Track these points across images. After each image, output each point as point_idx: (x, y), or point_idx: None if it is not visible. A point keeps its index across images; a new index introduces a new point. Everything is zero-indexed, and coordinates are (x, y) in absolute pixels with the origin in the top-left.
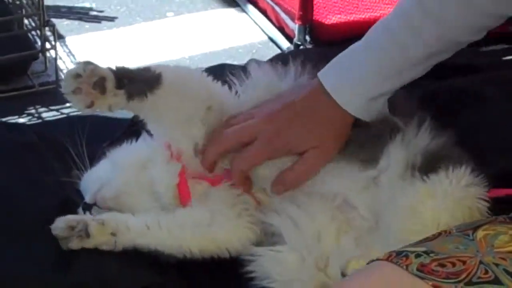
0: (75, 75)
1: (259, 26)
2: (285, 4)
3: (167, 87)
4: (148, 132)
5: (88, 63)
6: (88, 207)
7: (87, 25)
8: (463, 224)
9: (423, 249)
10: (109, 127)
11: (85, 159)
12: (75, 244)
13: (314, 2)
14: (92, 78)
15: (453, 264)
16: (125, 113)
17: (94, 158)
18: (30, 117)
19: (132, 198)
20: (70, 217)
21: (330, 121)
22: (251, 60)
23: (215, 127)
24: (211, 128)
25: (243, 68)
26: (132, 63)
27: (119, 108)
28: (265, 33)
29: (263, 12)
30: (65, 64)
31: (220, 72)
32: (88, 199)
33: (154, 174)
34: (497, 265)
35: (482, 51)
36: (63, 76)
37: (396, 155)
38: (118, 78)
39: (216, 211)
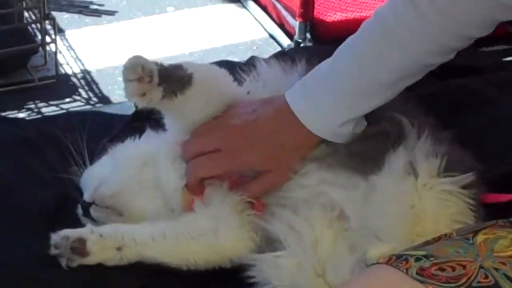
0: (139, 66)
1: (260, 23)
2: (286, 1)
3: (196, 88)
4: (153, 129)
5: (140, 57)
6: (86, 206)
7: (87, 19)
8: (463, 228)
9: (423, 252)
10: (108, 123)
11: (85, 155)
12: (68, 263)
13: (315, 0)
14: (149, 68)
15: (453, 269)
16: (124, 110)
17: (93, 154)
18: (29, 112)
19: (131, 197)
20: (61, 233)
21: (295, 143)
22: (255, 58)
23: None
24: None
25: (250, 65)
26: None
27: (153, 104)
28: (265, 30)
29: (264, 8)
30: (65, 58)
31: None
32: (86, 197)
33: (161, 174)
34: (497, 269)
35: (483, 52)
36: (62, 71)
37: (398, 162)
38: (160, 75)
39: (220, 219)
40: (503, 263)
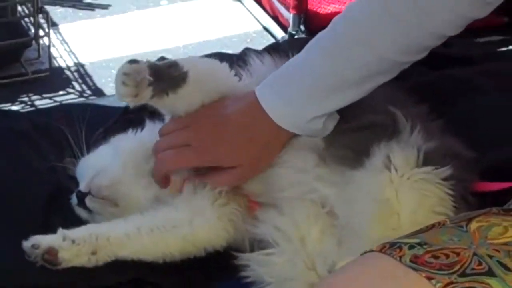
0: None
1: (254, 16)
2: None
3: (190, 86)
4: (151, 119)
5: (133, 61)
6: (82, 196)
7: (81, 12)
8: (457, 216)
9: (417, 240)
10: (102, 115)
11: (83, 146)
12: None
13: None
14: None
15: (447, 256)
16: (117, 102)
17: (87, 145)
18: (23, 104)
19: (129, 188)
20: (31, 240)
21: (264, 139)
22: (248, 50)
23: None
24: None
25: (244, 60)
26: (125, 51)
27: (142, 102)
28: (259, 22)
29: (258, 1)
30: (59, 52)
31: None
32: (82, 187)
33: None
34: (490, 256)
35: (477, 42)
36: (56, 64)
37: (378, 157)
38: (150, 75)
39: (195, 210)
40: (497, 250)
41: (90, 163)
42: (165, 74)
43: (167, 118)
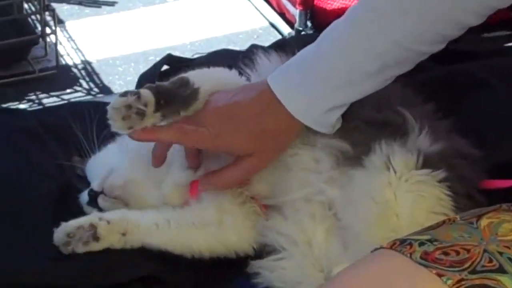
0: (126, 105)
1: (260, 12)
2: None
3: (201, 102)
4: None
5: (131, 93)
6: (95, 195)
7: (87, 9)
8: (467, 212)
9: (427, 237)
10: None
11: (93, 144)
12: (80, 248)
13: None
14: (137, 105)
15: (457, 253)
16: None
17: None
18: (30, 103)
19: (140, 189)
20: (72, 223)
21: (276, 128)
22: (255, 48)
23: None
24: None
25: (251, 58)
26: (132, 48)
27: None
28: (266, 18)
29: None
30: (65, 49)
31: (222, 57)
32: (95, 186)
33: (165, 168)
34: (501, 253)
35: (485, 37)
36: (63, 62)
37: (378, 158)
38: (157, 101)
39: (225, 210)
40: (507, 247)
41: (100, 162)
42: (175, 95)
43: None
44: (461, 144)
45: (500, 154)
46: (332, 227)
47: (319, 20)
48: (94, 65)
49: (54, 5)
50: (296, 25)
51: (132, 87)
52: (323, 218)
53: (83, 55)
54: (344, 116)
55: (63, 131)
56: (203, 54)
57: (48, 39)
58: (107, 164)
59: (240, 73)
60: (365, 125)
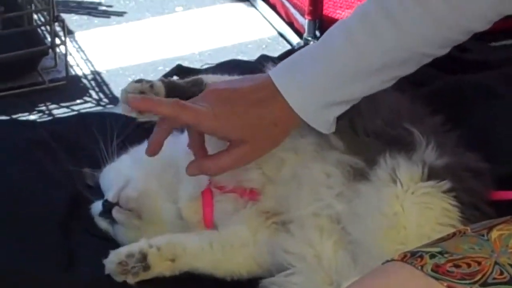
0: (139, 91)
1: (269, 21)
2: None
3: None
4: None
5: (145, 81)
6: (109, 206)
7: (96, 20)
8: (477, 224)
9: (438, 249)
10: (120, 124)
11: (105, 155)
12: (130, 279)
13: None
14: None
15: (468, 265)
16: None
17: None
18: (40, 113)
19: (154, 201)
20: (122, 251)
21: (273, 118)
22: (265, 60)
23: None
24: None
25: (260, 69)
26: (142, 58)
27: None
28: (274, 28)
29: (273, 7)
30: (75, 60)
31: (232, 68)
32: (110, 197)
33: (178, 180)
34: None
35: (492, 46)
36: (73, 72)
37: (384, 171)
38: (168, 93)
39: (254, 228)
40: None
41: (114, 173)
42: (186, 93)
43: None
44: (468, 158)
45: (509, 165)
46: (340, 240)
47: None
48: (104, 75)
49: (63, 16)
50: (305, 35)
51: None
52: (331, 231)
53: (92, 66)
54: (355, 130)
55: (73, 141)
56: (212, 65)
57: (57, 50)
58: (122, 175)
59: None
60: (376, 140)
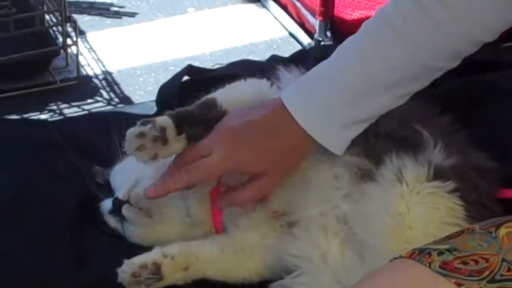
0: (138, 134)
1: (280, 22)
2: (306, 0)
3: None
4: None
5: (146, 121)
6: (119, 204)
7: (108, 20)
8: (486, 222)
9: (446, 246)
10: (130, 124)
11: (115, 154)
12: None
13: None
14: (153, 132)
15: (476, 262)
16: (146, 110)
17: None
18: (51, 113)
19: (165, 200)
20: (135, 261)
21: (289, 145)
22: (276, 62)
23: None
24: None
25: (272, 73)
26: (153, 58)
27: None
28: (285, 28)
29: (284, 7)
30: (86, 60)
31: (242, 68)
32: (121, 195)
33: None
34: None
35: (504, 47)
36: (84, 72)
37: (390, 171)
38: (178, 124)
39: (262, 231)
40: None
41: (125, 171)
42: (198, 116)
43: None
44: (475, 156)
45: None
46: (347, 240)
47: (339, 30)
48: (115, 75)
49: (75, 16)
50: (315, 35)
51: (152, 97)
52: (337, 231)
53: (103, 66)
54: (365, 132)
55: (84, 141)
56: (223, 65)
57: (69, 50)
58: (132, 174)
59: (271, 83)
60: (385, 141)
